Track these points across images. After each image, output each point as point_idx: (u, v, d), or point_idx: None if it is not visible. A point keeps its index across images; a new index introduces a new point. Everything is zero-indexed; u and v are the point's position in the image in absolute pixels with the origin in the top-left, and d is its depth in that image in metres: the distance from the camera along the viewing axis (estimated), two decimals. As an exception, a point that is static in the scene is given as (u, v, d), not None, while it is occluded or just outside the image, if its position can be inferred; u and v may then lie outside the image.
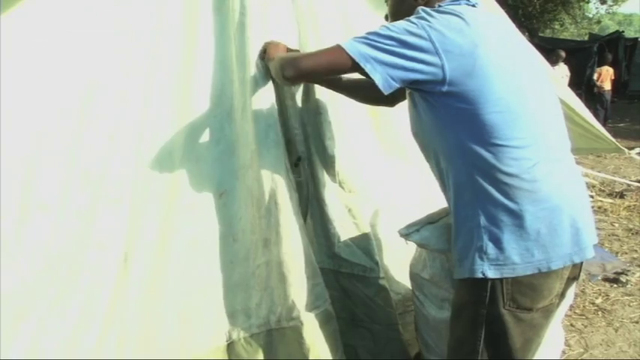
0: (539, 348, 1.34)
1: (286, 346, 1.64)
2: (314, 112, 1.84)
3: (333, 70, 1.35)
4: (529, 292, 1.24)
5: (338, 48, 1.26)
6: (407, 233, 1.68)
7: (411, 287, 1.80)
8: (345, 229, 1.84)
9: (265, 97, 1.66)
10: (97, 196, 1.51)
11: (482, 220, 1.24)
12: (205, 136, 1.66)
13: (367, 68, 1.22)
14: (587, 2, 19.64)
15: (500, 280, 1.23)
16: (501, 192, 1.22)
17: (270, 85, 1.67)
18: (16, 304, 1.40)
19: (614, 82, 11.08)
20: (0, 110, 1.41)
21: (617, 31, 17.23)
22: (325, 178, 1.85)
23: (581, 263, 1.33)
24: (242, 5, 1.67)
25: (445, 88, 1.21)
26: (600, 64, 10.68)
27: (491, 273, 1.23)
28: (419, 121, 1.36)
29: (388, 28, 1.24)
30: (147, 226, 1.56)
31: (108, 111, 1.55)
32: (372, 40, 1.23)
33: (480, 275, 1.24)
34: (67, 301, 1.46)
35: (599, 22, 24.16)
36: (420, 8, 1.29)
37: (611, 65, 10.95)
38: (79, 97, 1.52)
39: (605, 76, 10.52)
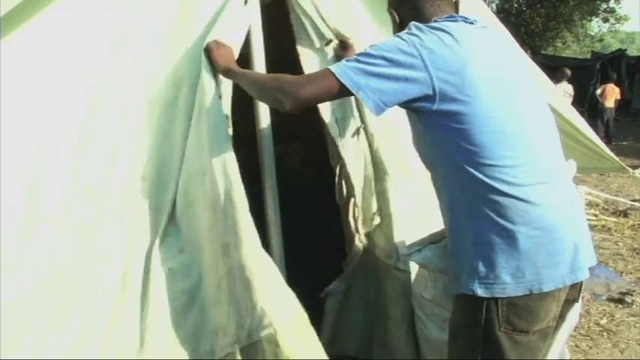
0: None
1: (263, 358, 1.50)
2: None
3: (329, 97, 1.32)
4: (525, 314, 1.23)
5: (330, 74, 1.24)
6: (408, 253, 1.68)
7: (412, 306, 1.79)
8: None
9: (210, 94, 1.58)
10: (99, 210, 1.51)
11: (474, 238, 1.24)
12: (198, 148, 1.64)
13: (360, 95, 1.23)
14: (590, 20, 19.79)
15: (495, 301, 1.22)
16: (493, 211, 1.21)
17: (212, 81, 1.59)
18: (18, 316, 1.39)
19: (619, 102, 11.10)
20: (4, 124, 1.42)
21: (619, 49, 17.32)
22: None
23: (580, 284, 1.32)
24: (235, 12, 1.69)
25: (435, 107, 1.21)
26: (604, 82, 10.70)
27: (482, 291, 1.22)
28: (416, 135, 1.37)
29: (379, 47, 1.23)
30: (145, 241, 1.55)
31: (111, 126, 1.55)
32: (363, 63, 1.23)
33: (471, 292, 1.23)
34: (69, 314, 1.45)
35: (601, 40, 24.33)
36: (412, 24, 1.29)
37: (616, 84, 10.97)
38: (83, 111, 1.53)
39: (609, 94, 10.54)
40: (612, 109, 10.65)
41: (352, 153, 1.95)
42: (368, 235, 2.04)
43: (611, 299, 3.11)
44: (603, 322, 2.84)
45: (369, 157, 2.00)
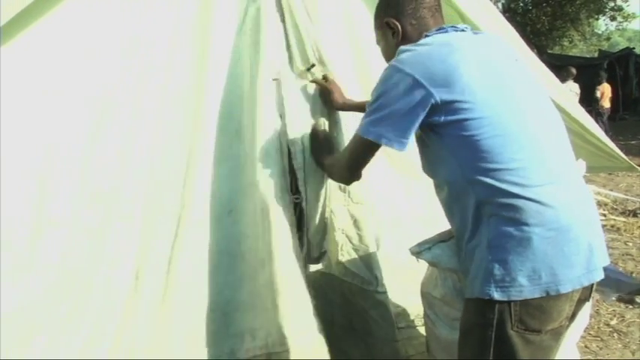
0: None
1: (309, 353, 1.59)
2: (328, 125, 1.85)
3: (366, 156, 1.41)
4: (538, 314, 1.22)
5: (358, 137, 1.35)
6: (418, 251, 1.66)
7: (421, 304, 1.78)
8: (349, 238, 1.84)
9: (272, 115, 1.66)
10: (108, 214, 1.52)
11: (489, 242, 1.24)
12: (215, 154, 1.66)
13: (384, 143, 1.30)
14: (597, 19, 19.67)
15: (509, 302, 1.21)
16: (507, 214, 1.21)
17: (273, 102, 1.68)
18: (29, 319, 1.41)
19: (612, 100, 11.07)
20: (13, 127, 1.43)
21: (627, 48, 17.20)
22: (334, 186, 1.84)
23: (592, 285, 1.30)
24: (256, 23, 1.69)
25: (442, 118, 1.24)
26: (599, 82, 10.69)
27: (498, 295, 1.21)
28: (425, 155, 1.39)
29: (377, 91, 1.29)
30: (158, 243, 1.56)
31: (120, 129, 1.56)
32: (373, 113, 1.29)
33: (487, 297, 1.22)
34: (79, 317, 1.46)
35: (608, 38, 24.14)
36: (399, 49, 1.31)
37: (608, 82, 10.94)
38: (92, 115, 1.54)
39: (606, 94, 10.52)
40: (609, 108, 10.64)
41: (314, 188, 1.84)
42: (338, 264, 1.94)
43: (621, 300, 3.09)
44: (613, 322, 2.82)
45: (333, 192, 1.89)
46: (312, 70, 1.77)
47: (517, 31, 2.36)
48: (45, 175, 1.47)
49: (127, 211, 1.54)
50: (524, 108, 1.27)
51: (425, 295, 1.75)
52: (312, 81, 1.78)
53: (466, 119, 1.22)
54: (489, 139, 1.21)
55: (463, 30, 1.36)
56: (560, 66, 9.35)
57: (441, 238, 1.67)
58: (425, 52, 1.26)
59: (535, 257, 1.19)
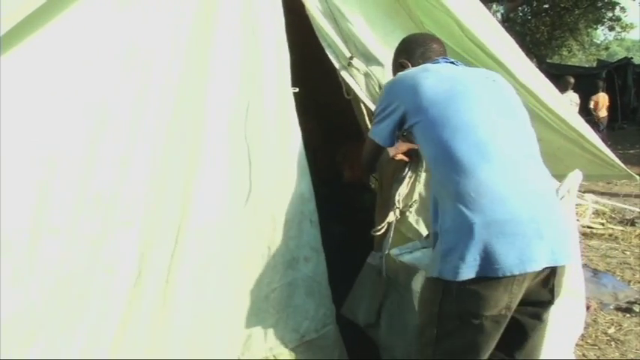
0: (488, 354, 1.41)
1: (312, 356, 1.72)
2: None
3: (375, 153, 1.76)
4: (474, 298, 1.35)
5: (369, 137, 1.69)
6: (398, 254, 1.71)
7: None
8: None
9: (281, 122, 1.71)
10: (108, 220, 1.52)
11: (442, 226, 1.40)
12: (216, 161, 1.67)
13: (377, 141, 1.66)
14: (596, 29, 19.78)
15: (450, 283, 1.35)
16: (455, 201, 1.37)
17: (291, 108, 1.76)
18: (26, 326, 1.41)
19: (609, 109, 11.07)
20: (12, 133, 1.43)
21: (625, 58, 17.27)
22: None
23: (552, 285, 1.41)
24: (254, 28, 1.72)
25: (412, 120, 1.51)
26: (595, 92, 10.70)
27: (442, 275, 1.36)
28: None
29: (378, 102, 1.65)
30: (158, 250, 1.56)
31: (120, 135, 1.56)
32: (375, 119, 1.65)
33: (435, 276, 1.38)
34: (76, 324, 1.46)
35: (607, 48, 24.29)
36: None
37: (605, 92, 10.94)
38: (92, 120, 1.54)
39: (601, 104, 10.52)
40: (606, 118, 10.63)
41: None
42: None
43: (618, 308, 3.09)
44: (611, 331, 2.82)
45: None
46: (352, 61, 1.93)
47: (516, 40, 2.38)
48: (45, 181, 1.47)
49: (127, 218, 1.54)
50: (478, 110, 1.45)
51: (413, 293, 1.80)
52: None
53: (423, 120, 1.47)
54: (442, 133, 1.43)
55: (453, 63, 1.65)
56: (559, 75, 9.38)
57: (424, 245, 1.71)
58: (404, 74, 1.61)
59: (474, 243, 1.32)
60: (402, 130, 1.60)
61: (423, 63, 1.65)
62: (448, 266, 1.35)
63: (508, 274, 1.32)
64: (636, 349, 2.63)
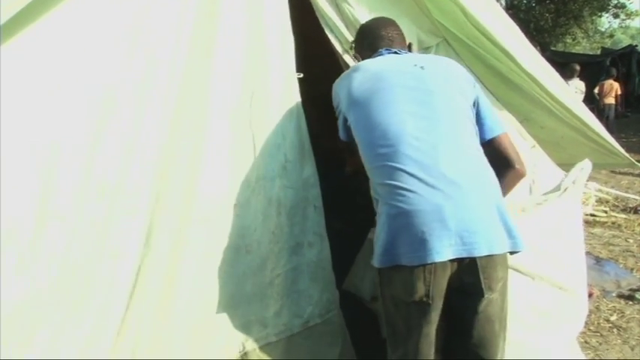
0: (427, 339, 1.45)
1: (316, 341, 1.73)
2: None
3: (346, 149, 1.71)
4: (395, 285, 1.44)
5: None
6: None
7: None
8: None
9: (285, 110, 1.72)
10: (112, 207, 1.53)
11: (375, 218, 1.50)
12: (221, 147, 1.68)
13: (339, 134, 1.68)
14: (600, 16, 19.57)
15: (379, 269, 1.46)
16: (376, 193, 1.47)
17: (295, 94, 1.76)
18: (31, 313, 1.41)
19: (621, 97, 10.95)
20: (17, 121, 1.43)
21: (630, 45, 17.13)
22: None
23: (477, 276, 1.40)
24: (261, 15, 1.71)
25: (349, 120, 1.56)
26: (600, 78, 10.59)
27: (373, 260, 1.47)
28: None
29: None
30: (161, 237, 1.57)
31: (125, 122, 1.56)
32: None
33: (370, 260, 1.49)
34: (82, 311, 1.47)
35: (611, 35, 24.03)
36: None
37: (616, 80, 10.82)
38: (97, 107, 1.54)
39: (608, 90, 10.41)
40: (612, 105, 10.51)
41: None
42: None
43: (621, 296, 3.10)
44: (613, 318, 2.83)
45: None
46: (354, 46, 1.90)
47: (520, 28, 2.36)
48: (50, 169, 1.47)
49: (132, 205, 1.54)
50: (391, 108, 1.47)
51: None
52: None
53: (351, 120, 1.54)
54: (364, 134, 1.50)
55: (397, 52, 1.66)
56: (563, 63, 9.31)
57: None
58: (344, 73, 1.67)
59: (386, 233, 1.41)
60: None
61: (371, 54, 1.68)
62: (374, 254, 1.45)
63: (409, 263, 1.38)
64: (638, 336, 2.64)
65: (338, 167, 2.03)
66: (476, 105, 1.56)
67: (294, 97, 1.78)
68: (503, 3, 15.94)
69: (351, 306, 1.95)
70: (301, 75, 1.82)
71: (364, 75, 1.57)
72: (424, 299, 1.40)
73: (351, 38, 1.93)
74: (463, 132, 1.47)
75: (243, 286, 1.67)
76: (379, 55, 1.66)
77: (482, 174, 1.45)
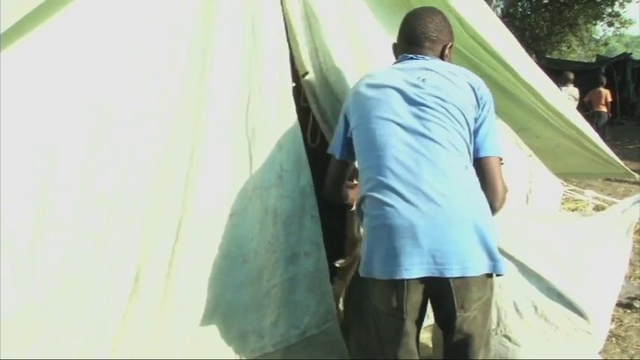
0: (405, 348, 1.47)
1: (313, 352, 1.73)
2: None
3: (334, 170, 1.68)
4: (374, 294, 1.47)
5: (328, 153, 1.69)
6: None
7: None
8: None
9: (281, 117, 1.71)
10: (110, 216, 1.52)
11: None
12: (218, 156, 1.67)
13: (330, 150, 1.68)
14: (595, 24, 19.75)
15: (365, 278, 1.47)
16: (362, 206, 1.49)
17: (291, 104, 1.75)
18: (29, 322, 1.41)
19: (612, 104, 11.00)
20: (16, 129, 1.43)
21: (624, 53, 17.25)
22: None
23: (450, 295, 1.39)
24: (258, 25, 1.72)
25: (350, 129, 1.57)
26: (595, 87, 10.63)
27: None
28: None
29: None
30: (158, 246, 1.57)
31: (123, 131, 1.56)
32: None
33: None
34: (79, 320, 1.46)
35: (606, 44, 24.23)
36: None
37: (606, 87, 10.88)
38: (95, 116, 1.54)
39: (597, 98, 10.46)
40: (603, 113, 10.54)
41: None
42: None
43: (619, 304, 3.09)
44: (612, 327, 2.82)
45: None
46: (307, 77, 1.86)
47: (515, 36, 2.38)
48: (47, 177, 1.46)
49: (130, 213, 1.54)
50: (384, 124, 1.46)
51: None
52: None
53: (354, 127, 1.54)
54: (359, 144, 1.51)
55: (417, 58, 1.59)
56: (558, 71, 9.37)
57: None
58: (355, 86, 1.62)
59: (368, 243, 1.44)
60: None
61: (400, 50, 1.65)
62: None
63: (380, 277, 1.40)
64: (637, 345, 2.63)
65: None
66: (478, 123, 1.51)
67: (290, 106, 1.78)
68: (499, 11, 16.05)
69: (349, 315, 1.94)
70: (295, 84, 1.82)
71: (368, 86, 1.55)
72: (395, 312, 1.42)
73: (305, 70, 1.86)
74: (451, 150, 1.43)
75: (240, 296, 1.66)
76: (401, 60, 1.61)
77: (465, 194, 1.41)
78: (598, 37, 23.48)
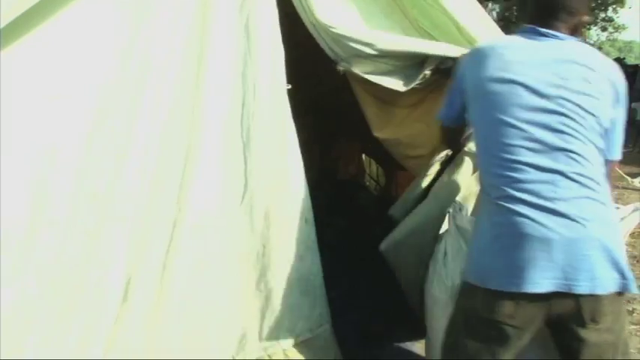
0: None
1: (307, 356, 1.74)
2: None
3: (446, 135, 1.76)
4: (476, 299, 1.38)
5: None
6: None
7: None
8: None
9: (277, 119, 1.70)
10: (104, 214, 1.52)
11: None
12: (212, 158, 1.66)
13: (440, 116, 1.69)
14: (588, 29, 19.88)
15: (466, 283, 1.43)
16: (482, 206, 1.45)
17: (286, 106, 1.74)
18: (21, 318, 1.41)
19: None
20: (10, 127, 1.43)
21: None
22: None
23: (581, 312, 1.33)
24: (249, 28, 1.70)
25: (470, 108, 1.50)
26: None
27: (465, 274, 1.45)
28: None
29: None
30: (152, 246, 1.56)
31: (117, 130, 1.56)
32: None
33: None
34: (72, 316, 1.46)
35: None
36: None
37: None
38: (89, 115, 1.53)
39: None
40: None
41: None
42: None
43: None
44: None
45: None
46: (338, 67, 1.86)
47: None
48: (43, 175, 1.47)
49: (123, 212, 1.54)
50: (526, 118, 1.35)
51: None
52: None
53: (474, 112, 1.48)
54: (483, 142, 1.44)
55: (543, 35, 1.40)
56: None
57: None
58: (476, 53, 1.52)
59: (486, 250, 1.37)
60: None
61: (528, 22, 1.45)
62: (466, 264, 1.42)
63: (502, 288, 1.32)
64: (635, 349, 2.64)
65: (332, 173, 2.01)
66: (611, 124, 1.42)
67: (285, 108, 1.77)
68: (495, 15, 16.12)
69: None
70: (290, 86, 1.81)
71: (497, 63, 1.38)
72: (507, 321, 1.34)
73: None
74: (587, 165, 1.34)
75: (234, 299, 1.65)
76: (530, 33, 1.42)
77: (598, 211, 1.35)
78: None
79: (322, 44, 1.86)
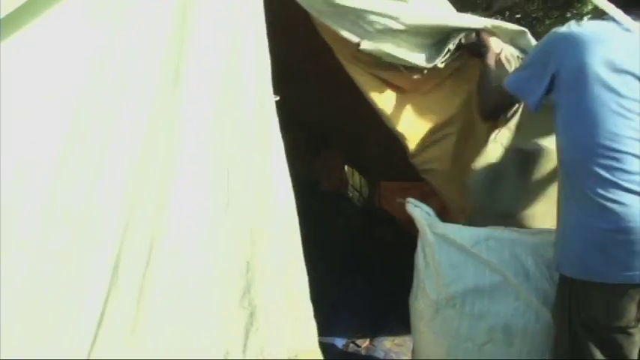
0: None
1: None
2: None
3: (500, 102, 1.83)
4: (593, 304, 1.37)
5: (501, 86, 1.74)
6: None
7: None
8: None
9: (266, 131, 1.68)
10: (78, 236, 1.46)
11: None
12: (193, 173, 1.61)
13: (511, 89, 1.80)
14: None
15: (574, 282, 1.43)
16: (572, 196, 1.47)
17: (273, 119, 1.70)
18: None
19: None
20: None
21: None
22: None
23: None
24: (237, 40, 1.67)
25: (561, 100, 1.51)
26: None
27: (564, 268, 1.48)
28: None
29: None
30: (129, 270, 1.50)
31: (92, 148, 1.50)
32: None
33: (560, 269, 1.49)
34: (44, 348, 1.39)
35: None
36: None
37: None
38: (63, 131, 1.48)
39: None
40: None
41: None
42: None
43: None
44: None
45: None
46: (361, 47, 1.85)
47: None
48: (12, 194, 1.40)
49: (99, 234, 1.48)
50: (627, 124, 1.38)
51: None
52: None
53: (566, 103, 1.51)
54: (578, 130, 1.45)
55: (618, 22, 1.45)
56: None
57: None
58: (577, 32, 1.55)
59: (592, 243, 1.35)
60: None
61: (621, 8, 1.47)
62: (564, 260, 1.43)
63: (619, 281, 1.32)
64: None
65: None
66: None
67: (271, 122, 1.73)
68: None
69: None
70: (277, 97, 1.78)
71: (604, 50, 1.39)
72: (633, 324, 1.35)
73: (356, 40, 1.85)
74: None
75: (217, 317, 1.61)
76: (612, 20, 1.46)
77: None
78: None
79: (338, 28, 1.83)
